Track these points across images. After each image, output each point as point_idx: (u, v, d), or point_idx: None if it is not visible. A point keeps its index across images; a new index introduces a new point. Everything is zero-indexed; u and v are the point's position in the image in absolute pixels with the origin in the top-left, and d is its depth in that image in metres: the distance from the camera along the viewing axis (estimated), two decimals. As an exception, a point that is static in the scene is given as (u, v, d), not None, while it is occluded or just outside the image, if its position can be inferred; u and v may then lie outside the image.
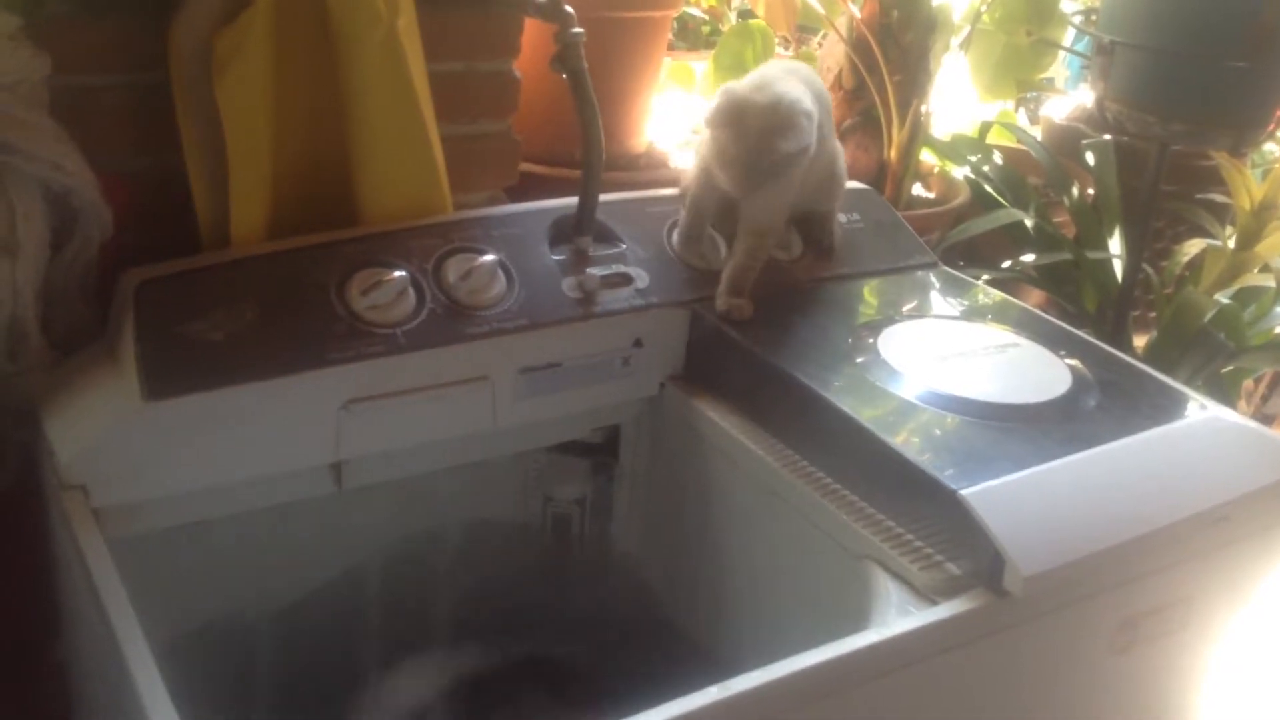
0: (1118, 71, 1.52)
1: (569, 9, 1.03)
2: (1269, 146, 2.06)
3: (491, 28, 1.14)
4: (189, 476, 0.91)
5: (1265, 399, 2.02)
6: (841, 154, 1.17)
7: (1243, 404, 1.97)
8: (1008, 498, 0.83)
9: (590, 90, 1.04)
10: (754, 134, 0.99)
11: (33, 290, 0.90)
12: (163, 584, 0.88)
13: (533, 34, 1.15)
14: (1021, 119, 2.57)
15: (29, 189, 0.87)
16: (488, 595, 1.17)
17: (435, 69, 1.05)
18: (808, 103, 1.01)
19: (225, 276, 0.94)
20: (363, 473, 1.00)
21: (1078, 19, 2.12)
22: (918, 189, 1.91)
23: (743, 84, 1.02)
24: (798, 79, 1.05)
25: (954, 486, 0.82)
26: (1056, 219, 1.94)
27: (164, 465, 0.89)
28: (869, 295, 1.16)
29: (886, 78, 1.73)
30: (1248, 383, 1.96)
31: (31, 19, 0.87)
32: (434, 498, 1.12)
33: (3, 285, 0.89)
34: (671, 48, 2.85)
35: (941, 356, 1.02)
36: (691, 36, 3.11)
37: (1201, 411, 0.99)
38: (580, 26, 1.03)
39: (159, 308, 0.90)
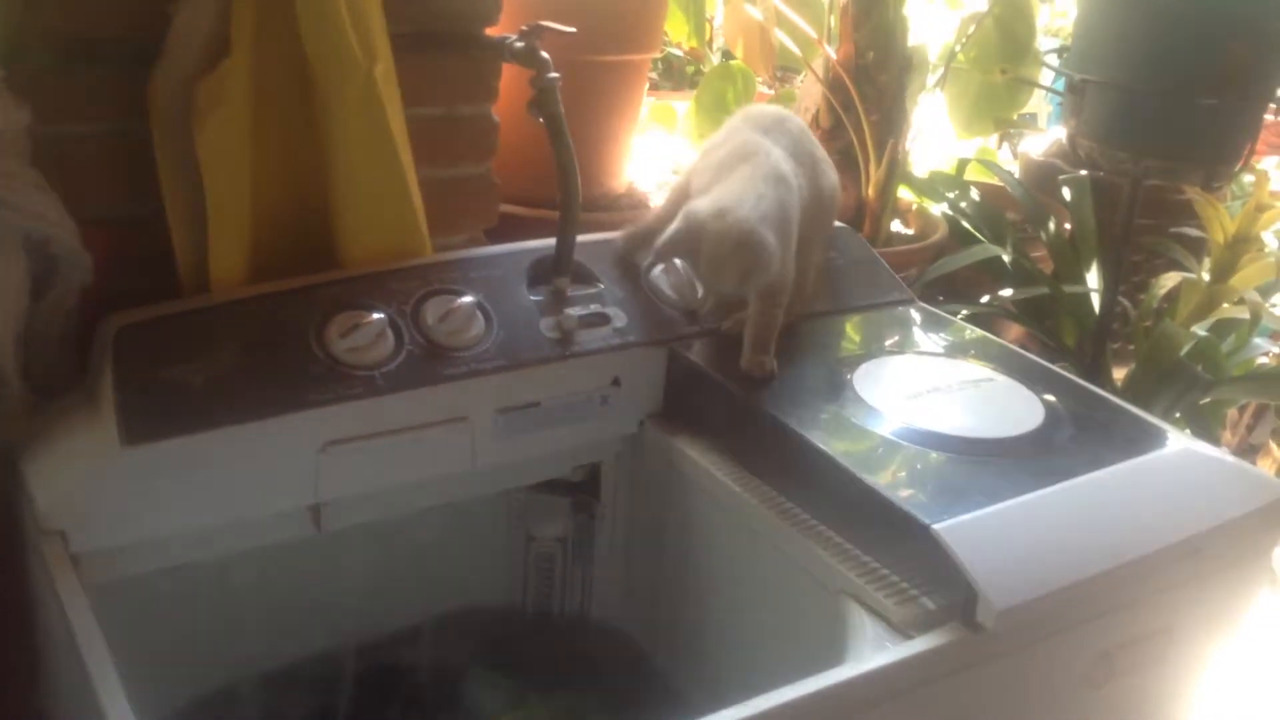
0: (1089, 109, 1.54)
1: (545, 55, 1.05)
2: (1246, 178, 2.08)
3: (470, 73, 1.16)
4: (168, 521, 0.91)
5: (1250, 429, 2.03)
6: (833, 184, 1.15)
7: (1227, 434, 1.98)
8: (981, 531, 0.84)
9: (566, 133, 1.05)
10: (722, 266, 0.97)
11: (12, 336, 0.91)
12: (141, 630, 0.88)
13: (511, 78, 1.17)
14: (1005, 155, 2.59)
15: (9, 237, 0.88)
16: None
17: (415, 113, 1.07)
18: (764, 223, 0.97)
19: (204, 321, 0.95)
20: (342, 515, 1.00)
21: (1051, 57, 2.14)
22: (896, 225, 1.93)
23: (703, 207, 0.98)
24: (762, 159, 1.02)
25: (927, 521, 0.83)
26: (1034, 254, 1.96)
27: (143, 510, 0.90)
28: (847, 331, 1.17)
29: (863, 117, 1.75)
30: (1232, 412, 1.97)
31: (13, 70, 0.89)
32: (415, 543, 1.12)
33: (-18, 332, 0.89)
34: (657, 87, 2.89)
35: (917, 392, 1.03)
36: (677, 76, 3.15)
37: (1174, 444, 1.00)
38: (559, 70, 1.05)
39: (138, 352, 0.91)
